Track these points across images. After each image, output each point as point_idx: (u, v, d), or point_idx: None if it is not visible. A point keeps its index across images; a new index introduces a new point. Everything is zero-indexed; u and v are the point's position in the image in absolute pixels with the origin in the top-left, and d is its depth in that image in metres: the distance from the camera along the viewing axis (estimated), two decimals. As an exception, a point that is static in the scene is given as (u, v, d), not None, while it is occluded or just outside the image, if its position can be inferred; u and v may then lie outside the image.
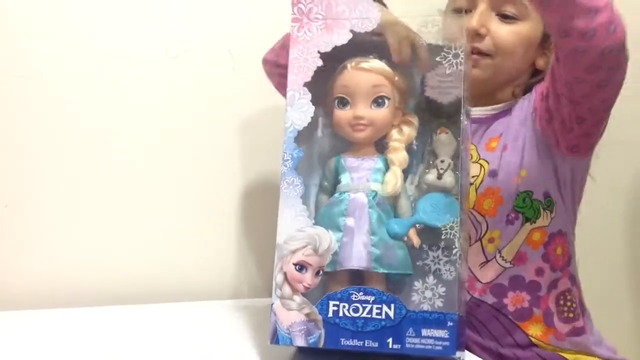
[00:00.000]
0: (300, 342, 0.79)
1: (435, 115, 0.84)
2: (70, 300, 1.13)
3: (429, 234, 0.80)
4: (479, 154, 1.07)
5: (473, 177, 1.04)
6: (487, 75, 1.06)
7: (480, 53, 1.05)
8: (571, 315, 1.06)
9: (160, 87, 1.22)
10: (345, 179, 0.85)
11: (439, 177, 0.81)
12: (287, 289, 0.80)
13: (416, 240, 0.80)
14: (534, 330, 1.04)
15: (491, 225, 1.05)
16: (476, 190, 1.04)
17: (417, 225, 0.80)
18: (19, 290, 1.14)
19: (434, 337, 0.76)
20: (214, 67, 1.25)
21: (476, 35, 1.03)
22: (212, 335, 0.97)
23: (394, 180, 0.83)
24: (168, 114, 1.23)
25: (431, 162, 0.82)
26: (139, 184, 1.21)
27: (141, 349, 0.89)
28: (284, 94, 0.85)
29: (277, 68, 1.11)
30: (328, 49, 0.84)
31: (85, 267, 1.18)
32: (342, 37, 0.84)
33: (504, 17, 1.04)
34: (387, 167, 0.85)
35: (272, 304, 0.80)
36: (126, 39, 1.20)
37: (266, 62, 1.15)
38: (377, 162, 0.86)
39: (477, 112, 1.08)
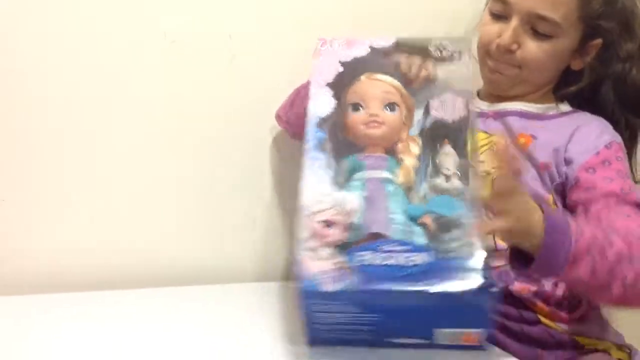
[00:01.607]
0: (329, 287, 0.76)
1: (439, 134, 0.88)
2: (76, 285, 1.13)
3: (443, 221, 0.81)
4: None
5: (493, 167, 1.00)
6: (510, 84, 1.07)
7: (507, 64, 1.05)
8: (576, 302, 1.06)
9: (159, 73, 1.21)
10: (360, 168, 0.88)
11: (447, 180, 0.83)
12: (313, 243, 0.79)
13: (429, 223, 0.81)
14: (541, 311, 1.05)
15: None
16: (492, 180, 1.01)
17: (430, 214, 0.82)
18: (22, 274, 1.14)
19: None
20: (213, 52, 1.24)
21: (507, 51, 1.03)
22: (219, 319, 0.98)
23: (407, 170, 0.86)
24: (168, 100, 1.22)
25: (437, 170, 0.85)
26: (141, 169, 1.21)
27: (151, 333, 0.91)
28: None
29: (288, 125, 1.15)
30: (348, 59, 0.91)
31: (89, 253, 1.18)
32: (361, 50, 0.92)
33: (537, 34, 1.02)
34: (398, 165, 0.88)
35: (296, 258, 0.79)
36: (124, 23, 1.18)
37: (278, 118, 1.18)
38: (389, 160, 0.88)
39: (508, 106, 1.08)
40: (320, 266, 0.76)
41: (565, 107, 1.09)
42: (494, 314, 0.80)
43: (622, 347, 1.06)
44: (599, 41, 1.04)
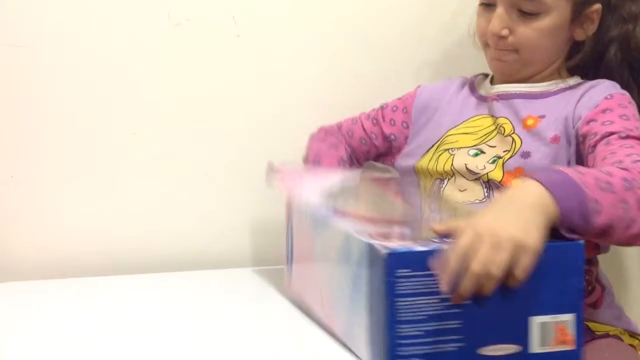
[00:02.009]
0: (418, 248, 0.67)
1: None
2: (81, 270, 1.14)
3: None
4: (513, 127, 1.04)
5: (504, 151, 1.02)
6: (515, 68, 1.05)
7: (503, 49, 1.04)
8: (589, 288, 1.05)
9: (162, 55, 1.20)
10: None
11: None
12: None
13: None
14: None
15: None
16: (502, 165, 1.01)
17: None
18: (26, 260, 1.15)
19: None
20: (217, 34, 1.23)
21: (499, 38, 1.02)
22: (224, 303, 0.98)
23: None
24: (172, 82, 1.22)
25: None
26: (143, 153, 1.21)
27: (154, 318, 0.91)
28: None
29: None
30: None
31: (96, 236, 1.19)
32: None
33: (524, 14, 1.01)
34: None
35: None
36: (128, 6, 1.18)
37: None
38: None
39: (512, 89, 1.07)
40: (398, 243, 0.67)
41: (574, 80, 1.07)
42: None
43: (634, 334, 1.06)
44: (597, 7, 1.02)
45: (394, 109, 1.16)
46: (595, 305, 1.06)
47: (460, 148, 1.05)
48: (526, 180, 0.74)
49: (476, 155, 1.04)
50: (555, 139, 1.00)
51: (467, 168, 1.03)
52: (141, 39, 1.19)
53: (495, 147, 1.03)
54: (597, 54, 1.06)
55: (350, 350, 0.70)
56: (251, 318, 0.88)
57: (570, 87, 1.05)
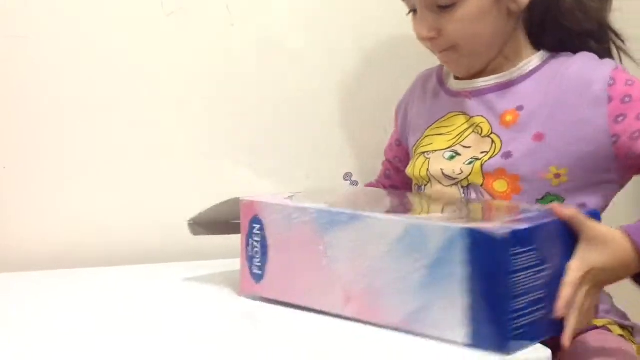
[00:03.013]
0: (526, 225, 0.70)
1: None
2: (73, 261, 1.13)
3: None
4: (491, 127, 0.98)
5: (482, 152, 0.96)
6: (464, 63, 0.99)
7: (443, 50, 0.99)
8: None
9: (156, 45, 1.19)
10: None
11: None
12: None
13: None
14: None
15: None
16: (481, 167, 0.95)
17: None
18: (21, 251, 1.14)
19: None
20: (211, 23, 1.22)
21: (430, 40, 0.97)
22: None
23: None
24: (165, 72, 1.20)
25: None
26: (139, 142, 1.20)
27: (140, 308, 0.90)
28: None
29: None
30: None
31: (88, 227, 1.18)
32: None
33: (443, 9, 0.94)
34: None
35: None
36: (120, -6, 1.16)
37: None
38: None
39: (481, 83, 1.00)
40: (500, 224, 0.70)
41: (540, 56, 0.99)
42: None
43: (624, 325, 1.01)
44: None
45: (393, 133, 1.18)
46: None
47: (435, 151, 1.01)
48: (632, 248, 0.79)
49: (451, 158, 0.99)
50: (538, 137, 0.93)
51: (443, 173, 0.98)
52: (135, 27, 1.18)
53: (470, 147, 0.98)
54: (540, 21, 0.98)
55: (415, 335, 0.74)
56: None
57: (539, 67, 0.98)
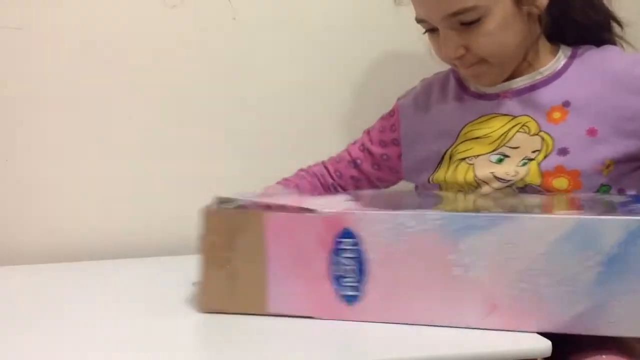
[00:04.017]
0: None
1: None
2: (72, 254, 1.14)
3: None
4: (538, 125, 0.96)
5: (533, 152, 0.94)
6: (494, 73, 0.98)
7: (471, 65, 0.96)
8: None
9: (158, 38, 1.17)
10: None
11: None
12: None
13: None
14: None
15: None
16: (538, 165, 0.94)
17: None
18: (21, 244, 1.14)
19: None
20: (213, 16, 1.19)
21: (459, 58, 0.95)
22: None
23: None
24: (166, 65, 1.18)
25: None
26: (138, 135, 1.18)
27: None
28: None
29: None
30: None
31: (88, 221, 1.17)
32: None
33: (467, 25, 0.93)
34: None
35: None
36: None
37: None
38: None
39: (520, 83, 0.99)
40: None
41: (563, 51, 1.00)
42: None
43: None
44: None
45: (381, 129, 1.09)
46: None
47: (478, 156, 0.98)
48: None
49: (500, 161, 0.96)
50: (592, 132, 0.94)
51: (495, 177, 0.95)
52: (136, 20, 1.16)
53: (518, 147, 0.96)
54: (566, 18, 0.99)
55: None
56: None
57: (570, 58, 0.98)
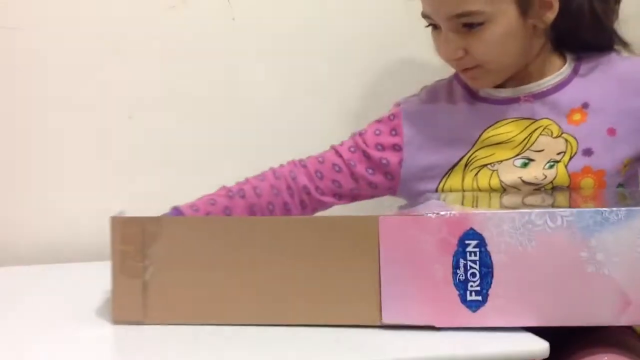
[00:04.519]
0: None
1: None
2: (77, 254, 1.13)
3: None
4: (560, 128, 0.98)
5: (558, 154, 0.96)
6: (490, 78, 0.99)
7: (468, 69, 0.98)
8: None
9: (157, 38, 1.18)
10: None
11: None
12: None
13: None
14: None
15: None
16: (565, 167, 0.95)
17: None
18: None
19: None
20: (213, 16, 1.19)
21: (456, 60, 0.97)
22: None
23: None
24: (165, 66, 1.19)
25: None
26: (138, 136, 1.19)
27: None
28: None
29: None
30: None
31: (92, 220, 1.10)
32: None
33: (470, 28, 0.94)
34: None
35: None
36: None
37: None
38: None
39: (535, 88, 1.00)
40: None
41: (572, 55, 1.02)
42: None
43: None
44: None
45: (377, 132, 1.05)
46: None
47: (501, 161, 0.98)
48: None
49: (525, 165, 0.97)
50: (612, 132, 0.97)
51: (523, 181, 0.96)
52: (136, 20, 1.16)
53: (542, 150, 0.97)
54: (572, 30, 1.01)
55: None
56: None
57: (578, 67, 1.01)
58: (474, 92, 1.03)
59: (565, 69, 1.01)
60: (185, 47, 1.18)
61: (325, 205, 1.04)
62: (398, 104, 1.06)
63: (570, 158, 0.95)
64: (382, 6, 1.24)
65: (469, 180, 0.98)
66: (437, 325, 0.73)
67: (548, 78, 1.00)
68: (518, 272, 0.72)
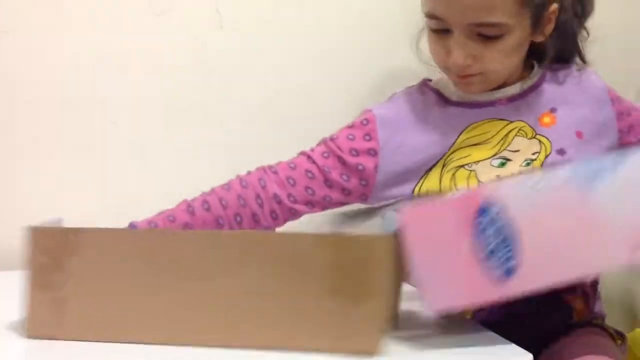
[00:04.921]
0: None
1: None
2: None
3: None
4: (533, 130, 1.00)
5: (533, 153, 0.98)
6: (481, 87, 1.01)
7: (470, 75, 0.98)
8: (595, 287, 1.05)
9: (144, 46, 1.17)
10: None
11: None
12: None
13: None
14: (577, 304, 1.01)
15: None
16: (541, 165, 0.98)
17: None
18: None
19: None
20: (200, 25, 1.18)
21: (463, 68, 0.97)
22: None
23: None
24: (152, 73, 1.18)
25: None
26: (123, 142, 1.18)
27: None
28: None
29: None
30: None
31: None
32: None
33: (486, 38, 0.94)
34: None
35: None
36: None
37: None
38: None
39: (511, 91, 1.02)
40: None
41: (537, 67, 1.06)
42: None
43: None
44: (554, 7, 0.98)
45: (350, 137, 1.03)
46: (600, 310, 1.05)
47: (478, 162, 0.99)
48: None
49: (502, 164, 0.99)
50: (579, 134, 1.00)
51: None
52: (122, 27, 1.16)
53: (519, 150, 0.99)
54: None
55: None
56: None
57: (544, 75, 1.04)
58: (446, 97, 1.04)
59: (534, 75, 1.03)
60: (172, 53, 1.17)
61: (297, 215, 1.00)
62: (369, 110, 1.04)
63: (546, 156, 0.98)
64: (375, 22, 1.24)
65: (446, 182, 0.98)
66: (477, 303, 0.77)
67: (520, 83, 1.02)
68: (538, 235, 0.73)
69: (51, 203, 1.13)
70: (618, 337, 1.02)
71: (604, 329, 1.01)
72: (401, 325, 0.81)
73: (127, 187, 1.17)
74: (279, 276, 0.69)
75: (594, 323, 1.01)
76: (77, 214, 1.06)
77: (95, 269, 0.71)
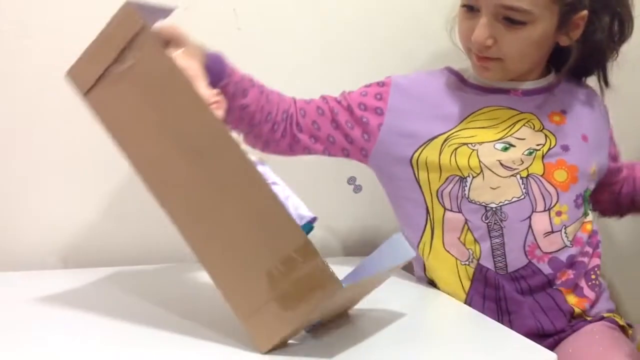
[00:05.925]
0: None
1: None
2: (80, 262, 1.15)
3: None
4: (542, 124, 1.06)
5: (538, 145, 1.03)
6: (498, 75, 1.05)
7: (487, 58, 1.03)
8: (596, 287, 1.07)
9: None
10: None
11: None
12: None
13: None
14: (572, 300, 1.04)
15: (561, 199, 1.03)
16: (542, 158, 1.03)
17: None
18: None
19: None
20: (218, 26, 1.19)
21: (484, 46, 1.01)
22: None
23: None
24: None
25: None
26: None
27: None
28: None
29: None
30: None
31: (80, 230, 1.17)
32: None
33: (511, 23, 0.98)
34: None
35: None
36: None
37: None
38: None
39: (529, 85, 1.08)
40: None
41: (552, 73, 1.11)
42: None
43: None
44: (584, 13, 1.01)
45: (363, 94, 1.09)
46: (601, 301, 1.07)
47: (482, 142, 1.03)
48: None
49: (505, 149, 1.03)
50: (585, 138, 1.06)
51: (501, 164, 1.02)
52: None
53: (524, 139, 1.03)
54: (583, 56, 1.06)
55: None
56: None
57: (558, 80, 1.09)
58: (464, 79, 1.09)
59: (551, 77, 1.09)
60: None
61: (299, 144, 1.06)
62: (390, 76, 1.11)
63: (550, 149, 1.03)
64: (387, 24, 1.29)
65: (446, 155, 1.03)
66: None
67: (537, 80, 1.08)
68: None
69: (52, 203, 1.15)
70: (629, 328, 1.07)
71: (615, 322, 1.04)
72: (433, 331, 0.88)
73: (133, 189, 1.13)
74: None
75: (606, 317, 1.04)
76: (78, 214, 1.16)
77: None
